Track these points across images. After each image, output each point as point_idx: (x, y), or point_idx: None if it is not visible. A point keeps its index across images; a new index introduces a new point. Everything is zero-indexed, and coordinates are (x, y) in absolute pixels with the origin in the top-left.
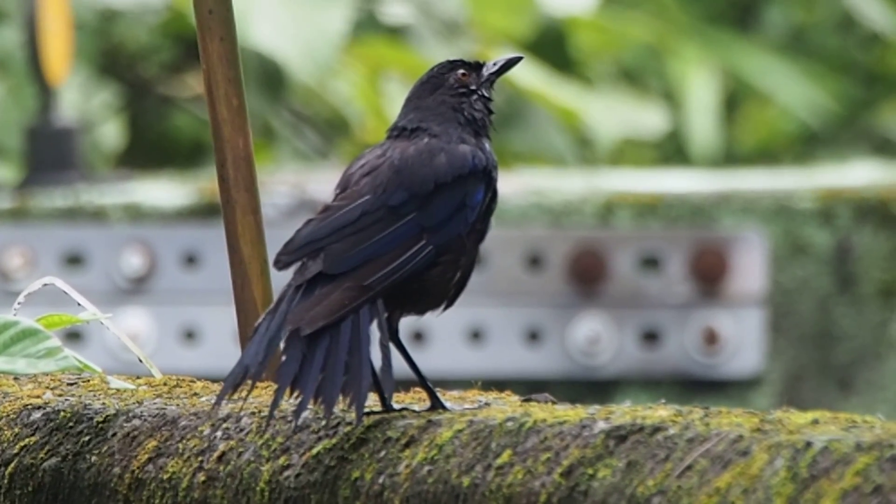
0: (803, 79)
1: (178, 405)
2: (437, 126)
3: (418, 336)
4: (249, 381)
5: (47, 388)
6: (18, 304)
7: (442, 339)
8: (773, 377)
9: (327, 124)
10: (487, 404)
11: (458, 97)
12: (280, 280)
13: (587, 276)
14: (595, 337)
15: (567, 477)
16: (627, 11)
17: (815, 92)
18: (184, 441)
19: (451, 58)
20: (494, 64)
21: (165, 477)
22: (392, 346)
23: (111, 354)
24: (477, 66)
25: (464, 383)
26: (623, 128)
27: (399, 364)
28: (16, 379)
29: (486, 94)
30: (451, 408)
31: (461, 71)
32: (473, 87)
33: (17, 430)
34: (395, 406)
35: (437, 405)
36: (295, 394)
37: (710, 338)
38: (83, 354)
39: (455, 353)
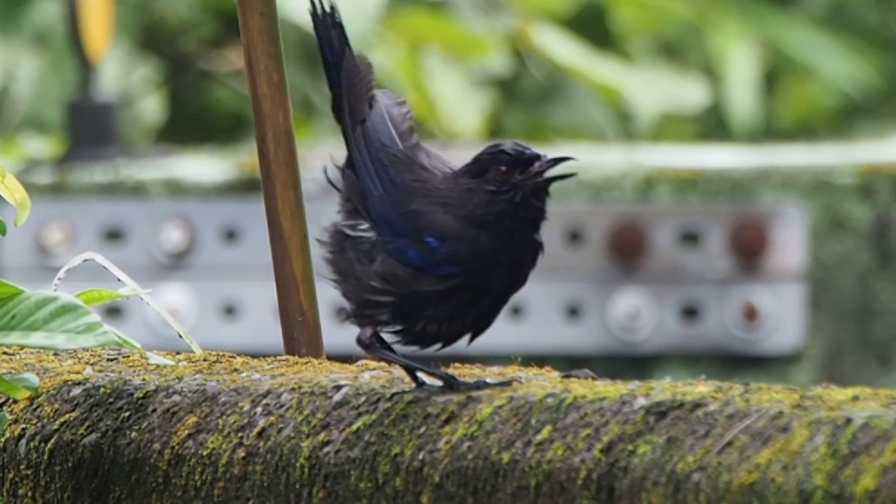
0: (843, 53)
1: (217, 381)
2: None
3: None
4: None
5: (87, 363)
6: (58, 279)
7: None
8: (813, 353)
9: None
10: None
11: (487, 195)
12: (318, 256)
13: (627, 252)
14: (635, 312)
15: (607, 453)
16: None
17: (856, 66)
18: (224, 417)
19: (502, 144)
20: (545, 162)
21: (205, 453)
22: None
23: (151, 330)
24: (525, 162)
25: (504, 359)
26: (663, 103)
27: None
28: (55, 354)
29: (515, 199)
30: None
31: (502, 167)
32: (506, 189)
33: (56, 405)
34: (434, 375)
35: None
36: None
37: (750, 313)
38: (123, 330)
39: (495, 329)
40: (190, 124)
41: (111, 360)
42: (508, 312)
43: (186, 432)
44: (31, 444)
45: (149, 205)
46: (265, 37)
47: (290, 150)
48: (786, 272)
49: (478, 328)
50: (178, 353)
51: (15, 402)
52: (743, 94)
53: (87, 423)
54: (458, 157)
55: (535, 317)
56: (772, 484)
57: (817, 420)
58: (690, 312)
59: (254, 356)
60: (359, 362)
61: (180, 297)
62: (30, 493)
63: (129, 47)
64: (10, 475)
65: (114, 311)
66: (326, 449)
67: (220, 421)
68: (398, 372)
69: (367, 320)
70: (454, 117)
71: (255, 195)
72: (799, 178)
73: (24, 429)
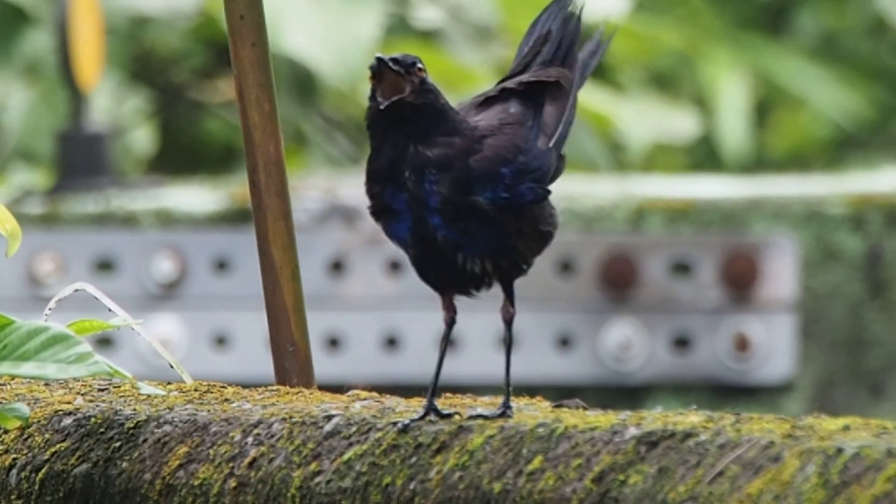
0: (835, 84)
1: (209, 411)
2: None
3: (450, 342)
4: None
5: (78, 393)
6: (49, 309)
7: (473, 344)
8: (804, 383)
9: (359, 129)
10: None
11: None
12: (309, 287)
13: (618, 282)
14: (626, 342)
15: (598, 483)
16: (658, 16)
17: (847, 97)
18: (215, 447)
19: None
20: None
21: (196, 483)
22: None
23: (142, 360)
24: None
25: (495, 389)
26: (654, 133)
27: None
28: (46, 384)
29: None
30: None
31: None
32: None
33: (47, 435)
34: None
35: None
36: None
37: (742, 343)
38: (114, 360)
39: (486, 359)
40: (181, 154)
41: (102, 390)
42: (500, 341)
43: (177, 462)
44: (22, 474)
45: (140, 235)
46: (256, 67)
47: (281, 180)
48: (777, 302)
49: (440, 257)
50: (169, 383)
51: (6, 432)
52: (734, 125)
53: (77, 453)
54: None
55: (526, 346)
56: None
57: (808, 450)
58: (682, 342)
59: (245, 386)
60: (349, 392)
61: (171, 328)
62: None
63: (121, 78)
64: None
65: (105, 342)
66: (318, 479)
67: (211, 451)
68: (389, 401)
69: None
70: None
71: (246, 225)
72: (790, 208)
73: (14, 459)
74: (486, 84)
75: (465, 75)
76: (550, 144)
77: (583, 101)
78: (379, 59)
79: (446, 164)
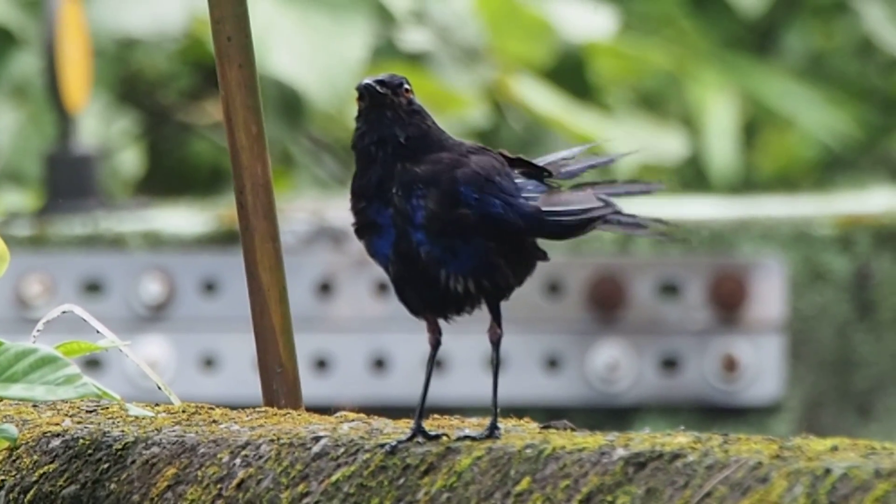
0: (823, 104)
1: (196, 432)
2: None
3: (437, 363)
4: None
5: (66, 415)
6: (37, 331)
7: (460, 365)
8: (792, 404)
9: (347, 151)
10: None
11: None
12: (297, 308)
13: (606, 303)
14: (614, 364)
15: None
16: (646, 37)
17: (835, 117)
18: (203, 468)
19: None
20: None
21: None
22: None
23: (130, 382)
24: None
25: (483, 410)
26: (642, 154)
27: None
28: (35, 406)
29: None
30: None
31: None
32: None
33: (36, 457)
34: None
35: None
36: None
37: (730, 365)
38: (102, 382)
39: (473, 380)
40: (169, 176)
41: (90, 411)
42: (488, 363)
43: (165, 483)
44: (11, 496)
45: (128, 257)
46: (244, 89)
47: (268, 202)
48: (765, 323)
49: (419, 273)
50: (157, 404)
51: None
52: (722, 145)
53: (66, 475)
54: None
55: (514, 368)
56: None
57: (796, 471)
58: (670, 364)
59: (233, 408)
60: (337, 414)
61: (159, 349)
62: None
63: (108, 100)
64: None
65: (93, 363)
66: (305, 500)
67: (199, 472)
68: (377, 423)
69: None
70: None
71: (234, 247)
72: (778, 229)
73: (3, 480)
74: (474, 107)
75: (453, 98)
76: (540, 206)
77: (570, 123)
78: (366, 84)
79: (434, 179)
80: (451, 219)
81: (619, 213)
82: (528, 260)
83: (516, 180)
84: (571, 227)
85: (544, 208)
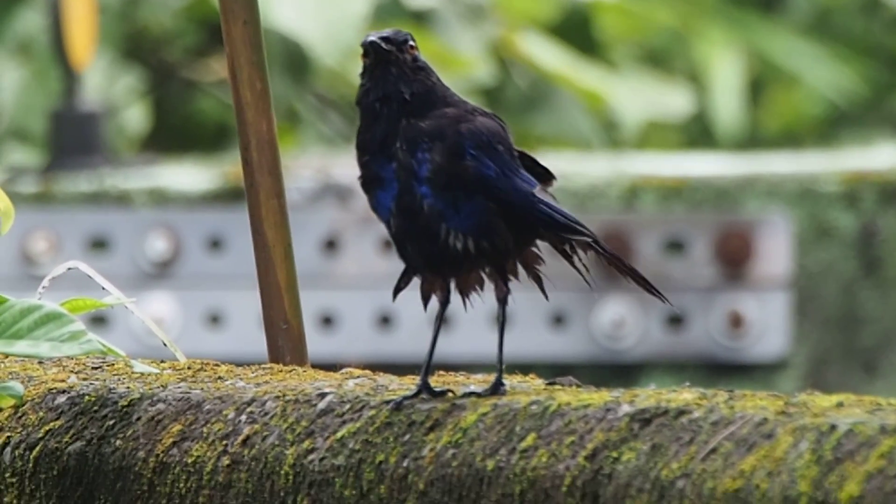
0: (829, 61)
1: (202, 389)
2: None
3: (444, 321)
4: None
5: (72, 372)
6: (43, 287)
7: (467, 323)
8: (798, 360)
9: (352, 108)
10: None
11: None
12: (302, 265)
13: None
14: (620, 320)
15: (591, 460)
16: None
17: (841, 74)
18: (208, 425)
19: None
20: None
21: (190, 461)
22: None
23: (136, 338)
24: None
25: (488, 367)
26: (648, 111)
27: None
28: (40, 363)
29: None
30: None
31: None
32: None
33: (41, 414)
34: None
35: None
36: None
37: (735, 321)
38: (108, 339)
39: (479, 337)
40: (174, 133)
41: (96, 368)
42: (494, 320)
43: (171, 440)
44: (16, 453)
45: (133, 214)
46: (248, 46)
47: (273, 159)
48: (771, 280)
49: (423, 223)
50: (162, 361)
51: (0, 410)
52: (728, 102)
53: (71, 432)
54: None
55: (520, 325)
56: (756, 490)
57: (802, 427)
58: (675, 320)
59: (238, 364)
60: (343, 370)
61: (165, 306)
62: (15, 501)
63: (113, 57)
64: None
65: (99, 320)
66: (311, 457)
67: (204, 429)
68: (382, 379)
69: None
70: None
71: (239, 204)
72: (784, 186)
73: (8, 437)
74: (478, 68)
75: (457, 59)
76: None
77: (576, 79)
78: (371, 40)
79: (440, 133)
80: (456, 172)
81: (602, 247)
82: (530, 223)
83: (517, 162)
84: (558, 223)
85: (538, 195)
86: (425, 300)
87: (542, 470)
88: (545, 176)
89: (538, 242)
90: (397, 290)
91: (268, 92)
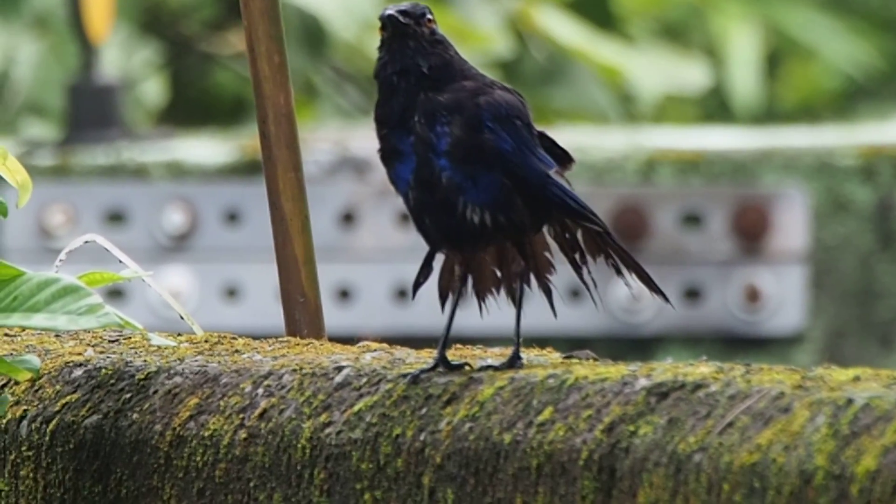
0: (846, 35)
1: (219, 362)
2: None
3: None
4: None
5: (88, 345)
6: (60, 261)
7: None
8: (814, 334)
9: (369, 81)
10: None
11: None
12: (320, 238)
13: (629, 233)
14: (637, 294)
15: (608, 434)
16: None
17: (858, 48)
18: (225, 398)
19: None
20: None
21: (206, 434)
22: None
23: (153, 312)
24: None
25: (505, 340)
26: (665, 84)
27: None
28: (57, 336)
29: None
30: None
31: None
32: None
33: (58, 387)
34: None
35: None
36: None
37: (752, 295)
38: (125, 312)
39: (497, 311)
40: (191, 107)
41: (112, 341)
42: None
43: (188, 413)
44: (33, 426)
45: (150, 187)
46: (266, 19)
47: (291, 132)
48: (787, 254)
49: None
50: (179, 334)
51: (16, 383)
52: (745, 76)
53: (88, 405)
54: None
55: (536, 298)
56: (773, 464)
57: (818, 401)
58: (692, 294)
59: (255, 338)
60: (360, 343)
61: (182, 279)
62: (31, 475)
63: (131, 30)
64: (12, 457)
65: (115, 293)
66: (328, 430)
67: (221, 402)
68: (399, 353)
69: None
70: None
71: (256, 177)
72: (801, 159)
73: (25, 410)
74: (495, 42)
75: (474, 33)
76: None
77: (593, 53)
78: (389, 14)
79: (458, 105)
80: (475, 144)
81: (613, 239)
82: (545, 199)
83: (535, 140)
84: (570, 208)
85: (553, 176)
86: (442, 297)
87: (559, 444)
88: (564, 158)
89: (551, 249)
90: (416, 285)
91: (286, 65)
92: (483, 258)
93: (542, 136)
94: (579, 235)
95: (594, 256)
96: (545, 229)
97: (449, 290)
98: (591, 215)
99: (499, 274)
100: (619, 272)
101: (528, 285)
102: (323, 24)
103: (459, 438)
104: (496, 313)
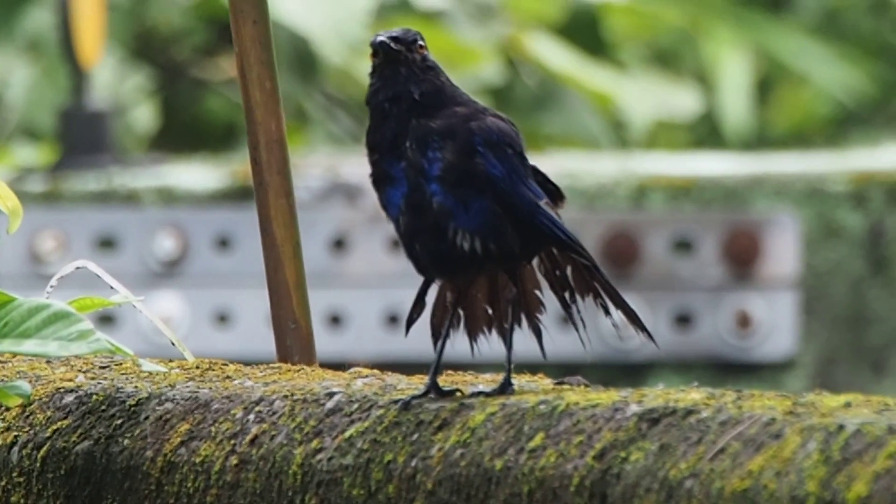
0: (837, 61)
1: (210, 388)
2: None
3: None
4: None
5: (80, 371)
6: (51, 286)
7: None
8: (805, 360)
9: (361, 107)
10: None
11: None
12: (311, 264)
13: (620, 259)
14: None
15: (600, 460)
16: None
17: (849, 74)
18: (216, 424)
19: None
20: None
21: (198, 460)
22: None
23: (144, 338)
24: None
25: (497, 366)
26: (656, 110)
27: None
28: (48, 362)
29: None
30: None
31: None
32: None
33: (49, 413)
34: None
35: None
36: None
37: (743, 321)
38: (116, 338)
39: (489, 338)
40: (183, 132)
41: (104, 367)
42: None
43: (179, 439)
44: (24, 452)
45: (142, 213)
46: (258, 45)
47: (282, 158)
48: (779, 280)
49: (426, 218)
50: (170, 360)
51: (7, 409)
52: (736, 102)
53: (79, 431)
54: None
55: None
56: (764, 490)
57: (810, 427)
58: (683, 320)
59: (246, 364)
60: (351, 369)
61: (173, 305)
62: (22, 501)
63: (122, 55)
64: (3, 483)
65: (106, 319)
66: (319, 456)
67: (212, 428)
68: (390, 379)
69: None
70: None
71: (247, 203)
72: (792, 185)
73: (16, 436)
74: (488, 61)
75: (466, 53)
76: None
77: (584, 79)
78: (380, 40)
79: (451, 131)
80: (467, 169)
81: (601, 275)
82: (537, 227)
83: (527, 169)
84: (559, 239)
85: (543, 206)
86: (435, 335)
87: (550, 470)
88: (556, 194)
89: (541, 288)
90: (409, 321)
91: (277, 91)
92: (475, 295)
93: (535, 170)
94: (569, 272)
95: (583, 295)
96: (535, 264)
97: (441, 327)
98: (579, 248)
99: (490, 311)
100: (606, 312)
101: (520, 310)
102: (313, 48)
103: (451, 464)
104: (487, 340)
